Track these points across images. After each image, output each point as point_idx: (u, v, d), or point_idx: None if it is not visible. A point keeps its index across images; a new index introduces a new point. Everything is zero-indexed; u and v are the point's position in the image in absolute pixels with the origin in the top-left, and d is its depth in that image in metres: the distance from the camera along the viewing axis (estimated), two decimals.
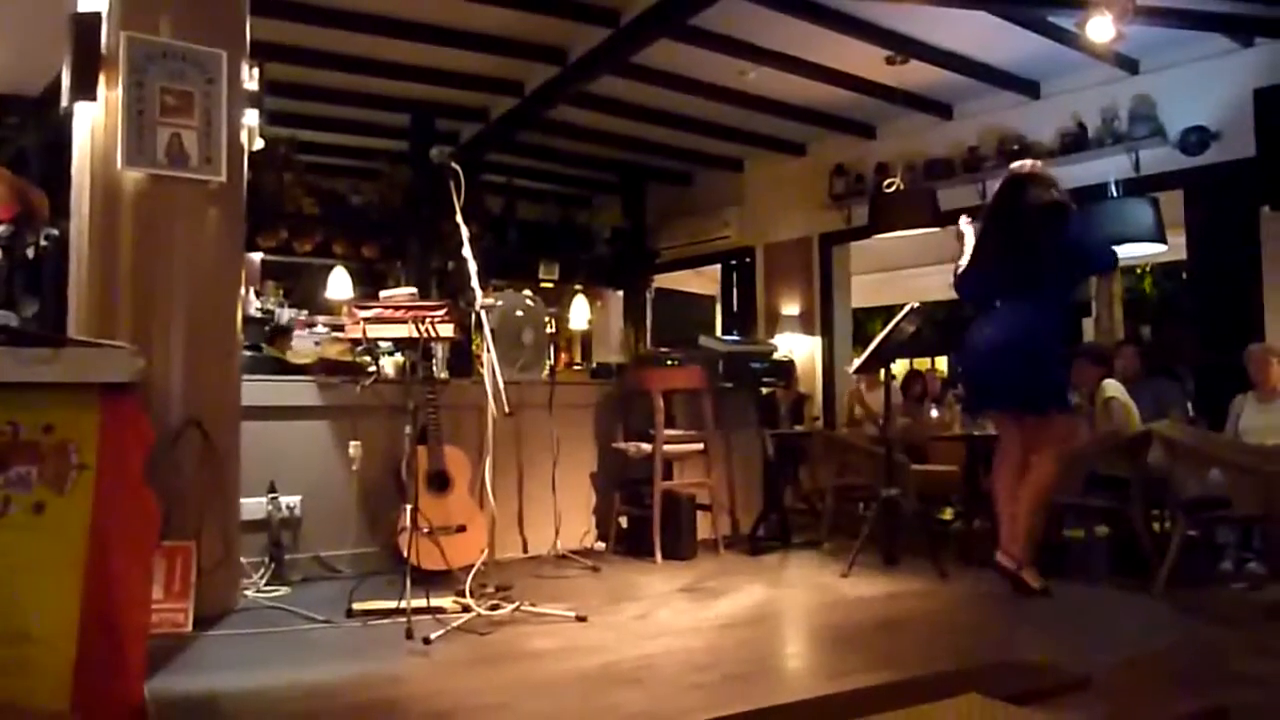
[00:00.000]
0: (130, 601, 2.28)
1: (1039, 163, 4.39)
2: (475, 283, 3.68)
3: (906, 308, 4.87)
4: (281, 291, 8.18)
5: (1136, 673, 3.00)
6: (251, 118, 4.01)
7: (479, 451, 4.05)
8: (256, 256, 7.26)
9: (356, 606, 3.61)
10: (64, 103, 3.70)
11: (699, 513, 5.21)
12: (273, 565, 4.23)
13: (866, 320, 10.82)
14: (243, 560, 4.00)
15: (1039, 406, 4.10)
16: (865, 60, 6.23)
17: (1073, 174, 5.87)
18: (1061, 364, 4.43)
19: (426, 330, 3.99)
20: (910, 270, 9.63)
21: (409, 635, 3.25)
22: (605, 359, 8.37)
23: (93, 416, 2.23)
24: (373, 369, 4.63)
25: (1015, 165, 4.34)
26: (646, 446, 5.05)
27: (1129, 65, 6.18)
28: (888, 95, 6.66)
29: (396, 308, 4.14)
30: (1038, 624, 3.72)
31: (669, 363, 5.37)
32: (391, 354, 4.93)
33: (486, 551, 3.80)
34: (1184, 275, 7.56)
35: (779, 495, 5.66)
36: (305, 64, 6.19)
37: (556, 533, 4.96)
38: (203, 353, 3.68)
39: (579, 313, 9.35)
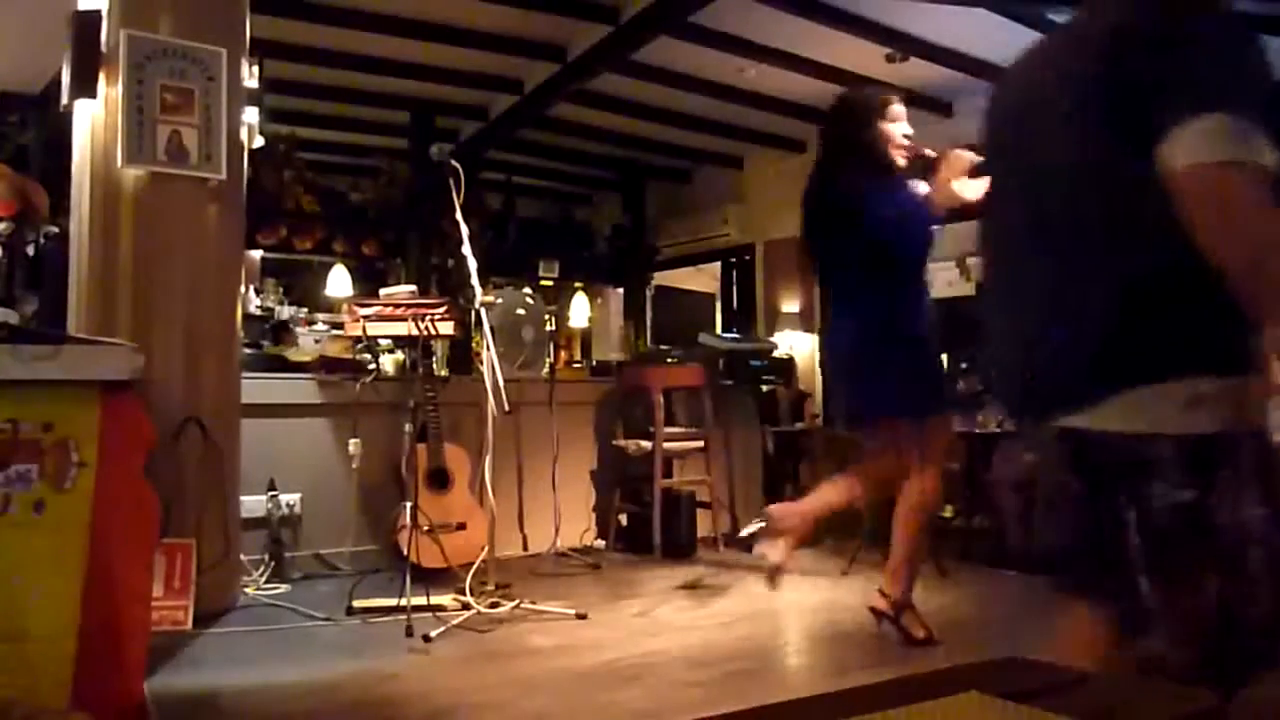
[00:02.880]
0: (130, 599, 2.28)
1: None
2: (475, 280, 3.68)
3: None
4: (281, 289, 8.18)
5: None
6: (251, 115, 4.02)
7: (479, 449, 4.04)
8: (256, 254, 7.26)
9: (356, 604, 3.61)
10: (64, 100, 3.70)
11: (699, 510, 5.21)
12: (273, 563, 4.23)
13: None
14: (243, 558, 4.01)
15: (912, 412, 3.26)
16: (865, 57, 6.22)
17: None
18: (909, 356, 3.26)
19: (426, 328, 3.99)
20: None
21: (409, 633, 3.25)
22: (605, 357, 8.36)
23: (93, 414, 2.23)
24: (372, 366, 4.63)
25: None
26: (646, 444, 5.05)
27: None
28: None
29: (396, 305, 4.14)
30: (1038, 621, 3.72)
31: (669, 360, 5.38)
32: (391, 351, 4.93)
33: (486, 549, 3.80)
34: None
35: (779, 493, 5.66)
36: (305, 61, 6.18)
37: (556, 530, 4.96)
38: (203, 350, 3.69)
39: (579, 310, 9.34)
